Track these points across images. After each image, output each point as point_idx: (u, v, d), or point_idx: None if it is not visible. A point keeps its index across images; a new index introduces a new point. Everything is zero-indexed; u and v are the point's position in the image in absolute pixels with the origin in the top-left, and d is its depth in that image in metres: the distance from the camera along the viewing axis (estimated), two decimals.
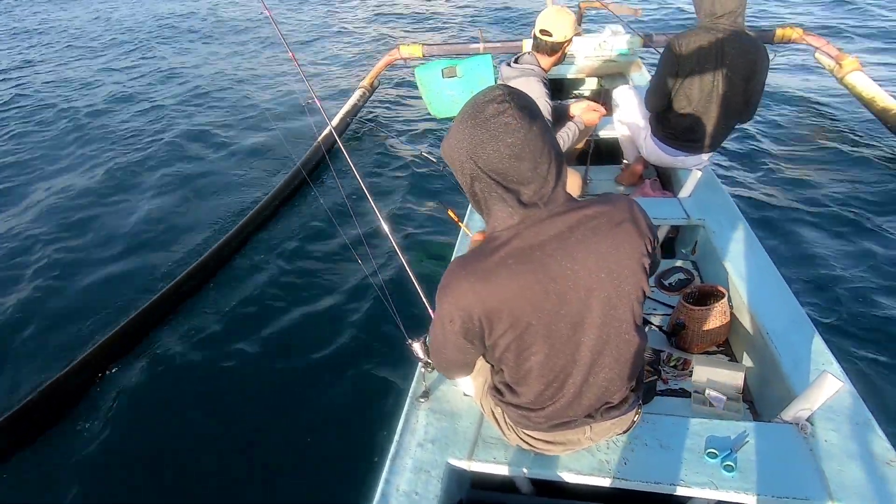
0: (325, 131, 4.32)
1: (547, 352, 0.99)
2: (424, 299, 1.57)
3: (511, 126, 0.85)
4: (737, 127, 2.55)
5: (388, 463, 1.29)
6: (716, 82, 2.22)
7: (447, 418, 1.40)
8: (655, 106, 2.47)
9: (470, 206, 2.49)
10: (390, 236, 1.65)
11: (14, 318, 2.91)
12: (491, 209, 0.93)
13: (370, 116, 5.38)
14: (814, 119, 4.51)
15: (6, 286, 3.22)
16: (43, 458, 2.11)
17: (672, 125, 2.44)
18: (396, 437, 1.36)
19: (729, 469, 1.20)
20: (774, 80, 5.38)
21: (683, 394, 1.67)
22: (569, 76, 4.20)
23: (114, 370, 2.48)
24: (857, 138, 4.07)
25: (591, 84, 4.36)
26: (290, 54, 1.85)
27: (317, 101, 1.76)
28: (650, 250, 0.98)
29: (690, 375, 1.70)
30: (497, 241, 0.93)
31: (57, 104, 6.47)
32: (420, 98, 3.27)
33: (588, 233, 0.92)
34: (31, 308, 2.98)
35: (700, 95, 2.27)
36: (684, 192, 2.41)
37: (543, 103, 2.19)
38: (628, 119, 2.74)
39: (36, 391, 2.27)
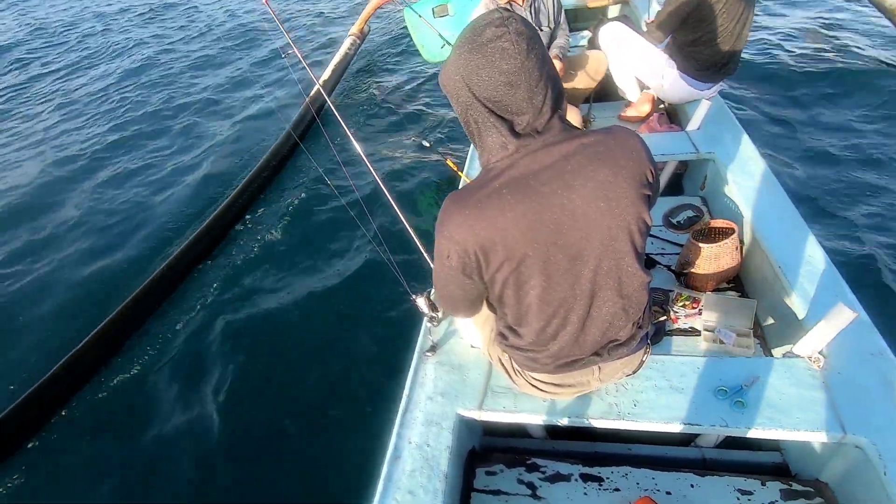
0: (314, 90, 4.16)
1: (544, 285, 0.97)
2: (425, 253, 1.54)
3: (508, 51, 0.82)
4: (748, 49, 2.40)
5: (398, 417, 1.31)
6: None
7: (455, 371, 1.41)
8: (667, 34, 2.31)
9: (469, 155, 2.42)
10: (387, 194, 1.60)
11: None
12: (484, 139, 0.91)
13: (363, 66, 5.16)
14: (831, 34, 4.24)
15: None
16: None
17: (705, 57, 2.28)
18: (406, 392, 1.37)
19: (740, 406, 1.19)
20: None
21: (693, 332, 1.65)
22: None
23: (136, 335, 2.54)
24: (879, 55, 3.82)
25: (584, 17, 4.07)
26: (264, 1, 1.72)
27: (297, 53, 1.66)
28: (650, 180, 0.95)
29: (700, 314, 1.68)
30: (491, 173, 0.91)
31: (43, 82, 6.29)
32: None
33: (584, 160, 0.89)
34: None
35: (733, 18, 2.13)
36: (692, 125, 2.30)
37: None
38: (636, 57, 2.53)
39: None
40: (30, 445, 2.13)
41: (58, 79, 6.24)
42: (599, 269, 0.97)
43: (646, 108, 2.68)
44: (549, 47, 2.47)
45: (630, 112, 2.74)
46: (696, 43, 2.27)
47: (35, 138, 4.85)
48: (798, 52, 4.02)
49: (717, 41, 2.22)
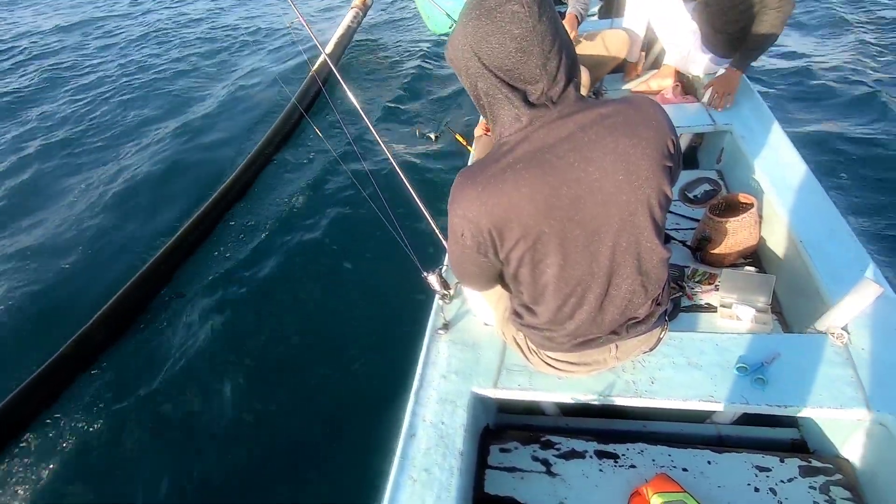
0: (319, 60, 4.06)
1: (562, 262, 0.94)
2: (436, 229, 1.50)
3: (518, 15, 0.77)
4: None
5: (412, 396, 1.29)
6: None
7: (469, 349, 1.39)
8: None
9: (477, 129, 2.35)
10: (397, 168, 1.56)
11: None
12: (496, 113, 0.86)
13: (366, 40, 5.04)
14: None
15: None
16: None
17: (737, 34, 2.15)
18: (419, 370, 1.36)
19: (760, 383, 1.17)
20: None
21: (709, 308, 1.62)
22: None
23: (145, 317, 2.54)
24: None
25: None
26: None
27: (302, 21, 1.60)
28: (672, 151, 0.90)
29: (717, 289, 1.64)
30: (504, 147, 0.87)
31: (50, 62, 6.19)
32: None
33: (603, 131, 0.85)
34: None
35: None
36: (709, 95, 2.22)
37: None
38: (661, 26, 2.40)
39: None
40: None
41: (59, 53, 6.14)
42: (618, 246, 0.94)
43: (667, 83, 2.58)
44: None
45: (653, 85, 2.64)
46: (726, 11, 2.14)
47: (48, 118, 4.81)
48: (821, 17, 3.87)
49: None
